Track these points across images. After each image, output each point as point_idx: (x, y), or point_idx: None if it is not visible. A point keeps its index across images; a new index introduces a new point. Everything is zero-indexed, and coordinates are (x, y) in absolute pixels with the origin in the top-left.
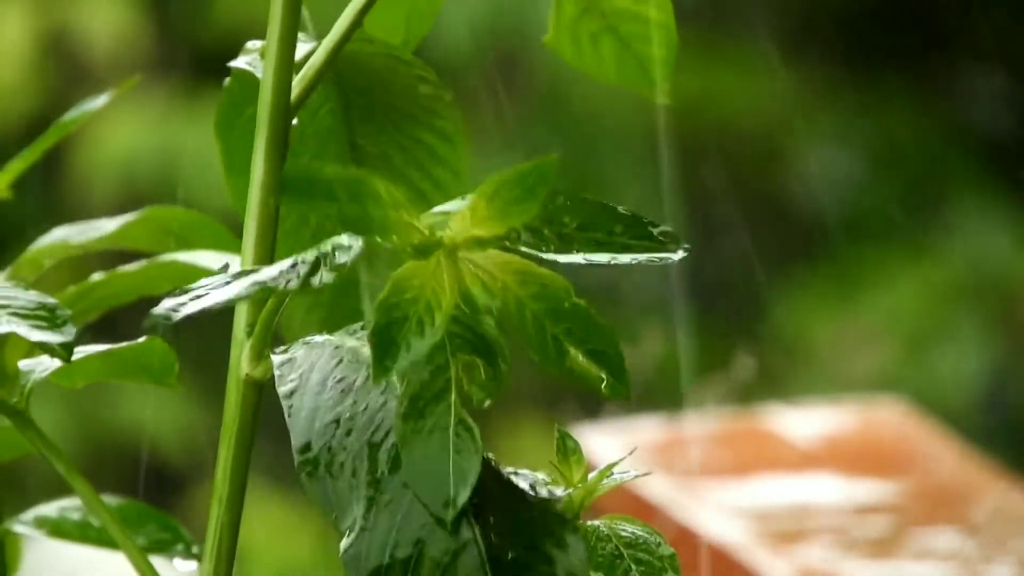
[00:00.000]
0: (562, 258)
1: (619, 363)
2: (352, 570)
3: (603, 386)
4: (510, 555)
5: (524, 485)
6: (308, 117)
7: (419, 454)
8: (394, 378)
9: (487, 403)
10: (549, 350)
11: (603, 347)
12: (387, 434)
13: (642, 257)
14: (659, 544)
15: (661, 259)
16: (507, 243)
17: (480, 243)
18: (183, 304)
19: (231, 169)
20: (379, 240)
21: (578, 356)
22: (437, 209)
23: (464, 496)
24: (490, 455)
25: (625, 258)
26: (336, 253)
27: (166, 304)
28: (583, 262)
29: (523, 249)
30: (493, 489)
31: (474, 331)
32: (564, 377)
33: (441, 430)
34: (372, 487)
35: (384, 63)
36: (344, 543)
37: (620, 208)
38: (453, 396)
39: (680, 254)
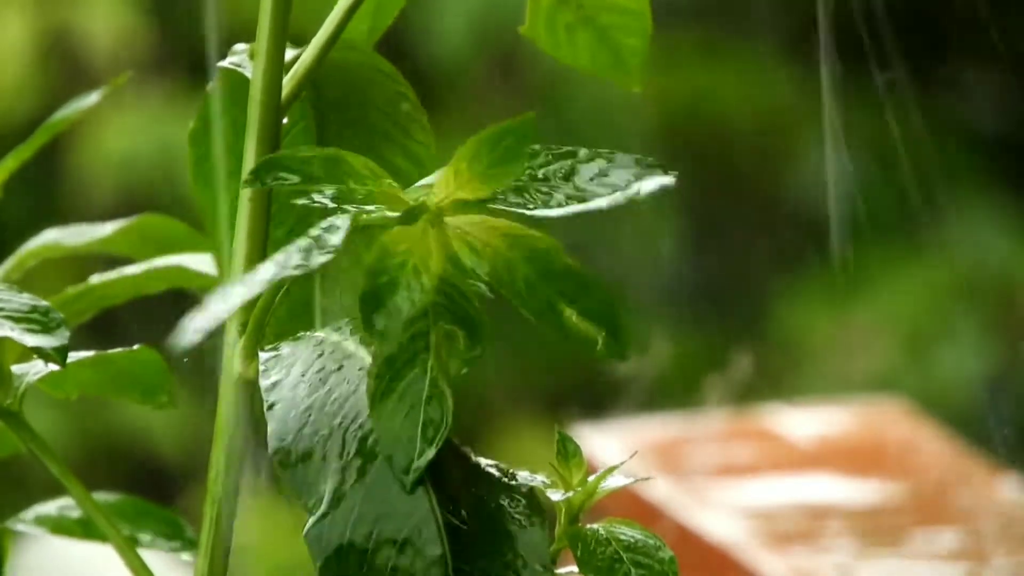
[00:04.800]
0: (551, 213)
1: (615, 321)
2: (315, 550)
3: (599, 346)
4: (468, 528)
5: (492, 469)
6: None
7: (389, 414)
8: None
9: (463, 371)
10: (543, 312)
11: (597, 306)
12: (356, 418)
13: (631, 194)
14: (659, 548)
15: (649, 191)
16: (493, 204)
17: (465, 206)
18: (196, 325)
19: (198, 179)
20: (365, 212)
21: (574, 317)
22: (420, 183)
23: (428, 457)
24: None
25: (613, 199)
26: (327, 234)
27: (185, 331)
28: (573, 213)
29: (510, 209)
30: (455, 466)
31: (457, 302)
32: (561, 338)
33: (414, 392)
34: (339, 470)
35: (366, 74)
36: (308, 524)
37: (601, 151)
38: (430, 361)
39: (667, 181)
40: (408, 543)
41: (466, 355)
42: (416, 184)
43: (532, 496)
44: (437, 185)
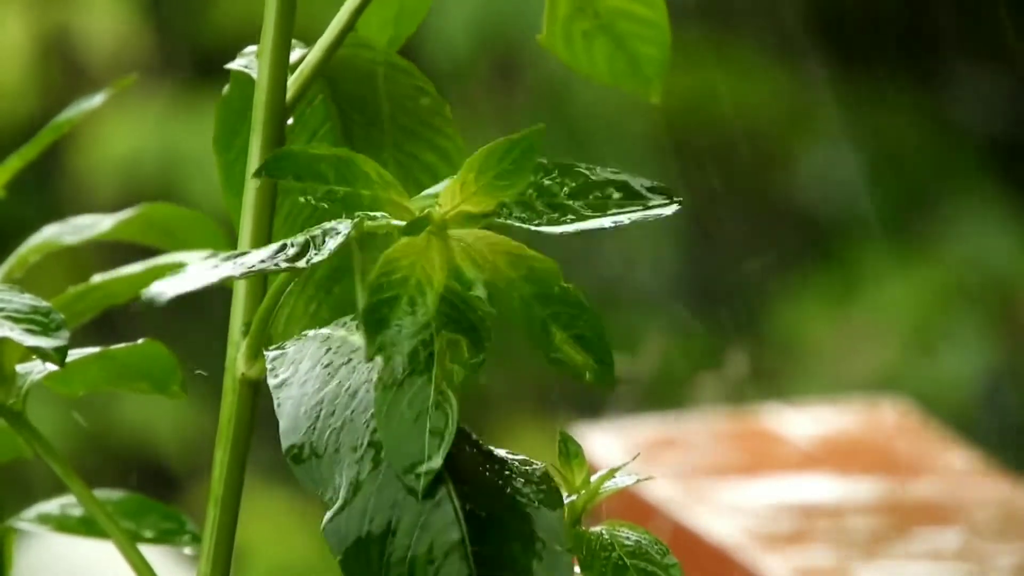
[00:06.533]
0: (555, 229)
1: (604, 349)
2: (334, 543)
3: (587, 373)
4: (485, 512)
5: (503, 453)
6: (307, 135)
7: (395, 425)
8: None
9: (468, 380)
10: (536, 333)
11: (589, 332)
12: (367, 409)
13: (636, 216)
14: (663, 553)
15: (655, 215)
16: (498, 218)
17: (470, 219)
18: (172, 285)
19: (229, 187)
20: (368, 218)
21: (564, 342)
22: (427, 192)
23: (436, 464)
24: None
25: (618, 219)
26: (326, 237)
27: (156, 287)
28: (576, 230)
29: (515, 223)
30: (468, 452)
31: (460, 310)
32: (550, 364)
33: (420, 402)
34: (353, 461)
35: (383, 72)
36: (325, 518)
37: (610, 171)
38: (435, 370)
39: (673, 208)
40: (426, 529)
41: (470, 362)
42: (424, 193)
43: (546, 478)
44: (442, 197)
